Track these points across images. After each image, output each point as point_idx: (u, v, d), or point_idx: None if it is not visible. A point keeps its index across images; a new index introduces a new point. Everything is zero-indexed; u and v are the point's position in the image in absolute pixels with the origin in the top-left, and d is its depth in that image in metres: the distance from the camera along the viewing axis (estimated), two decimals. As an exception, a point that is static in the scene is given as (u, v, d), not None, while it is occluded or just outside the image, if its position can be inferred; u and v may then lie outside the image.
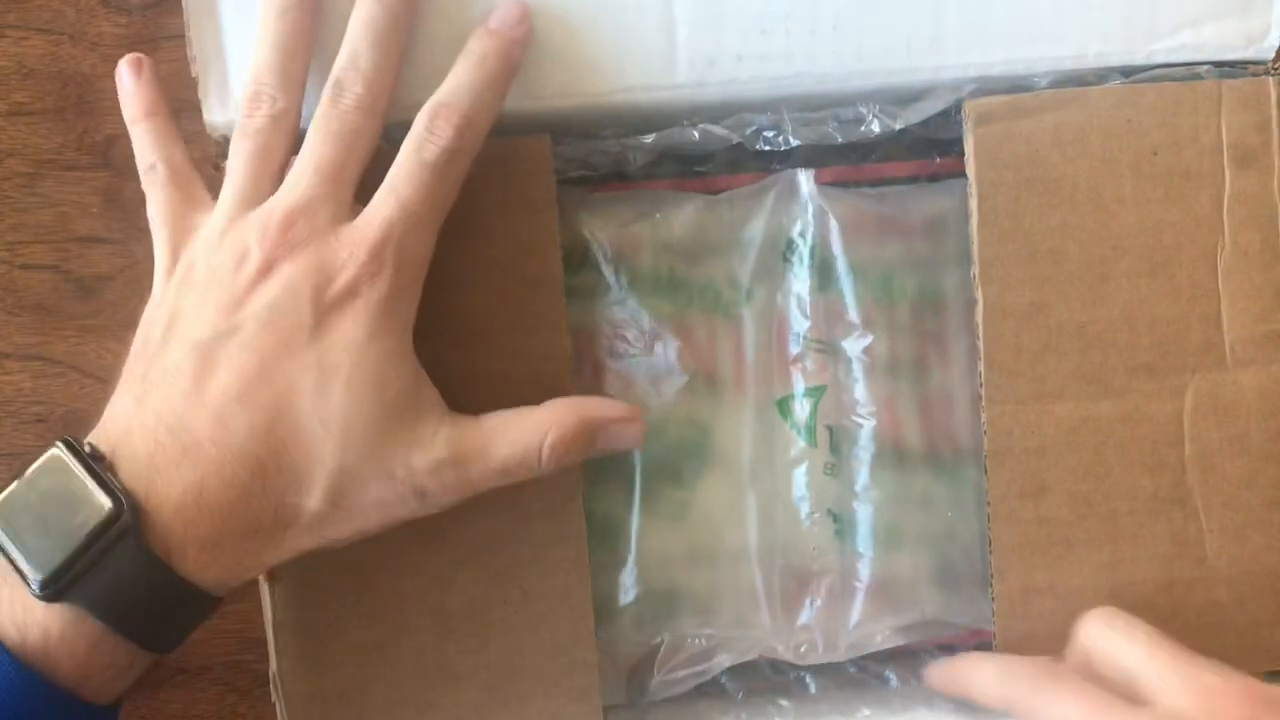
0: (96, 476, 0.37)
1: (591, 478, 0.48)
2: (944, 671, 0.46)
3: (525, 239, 0.45)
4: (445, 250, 0.42)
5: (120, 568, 0.37)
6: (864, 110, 0.47)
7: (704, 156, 0.49)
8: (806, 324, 0.48)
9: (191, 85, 0.45)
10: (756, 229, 0.49)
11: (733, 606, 0.49)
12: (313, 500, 0.39)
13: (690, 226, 0.49)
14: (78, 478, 0.37)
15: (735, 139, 0.47)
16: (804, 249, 0.48)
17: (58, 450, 0.38)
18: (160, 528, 0.37)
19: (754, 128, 0.47)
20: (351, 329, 0.39)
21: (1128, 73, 0.46)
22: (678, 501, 0.49)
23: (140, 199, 0.44)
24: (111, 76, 0.45)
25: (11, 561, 0.37)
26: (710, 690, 0.49)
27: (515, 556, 0.46)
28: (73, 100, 0.53)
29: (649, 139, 0.47)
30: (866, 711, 0.48)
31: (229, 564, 0.38)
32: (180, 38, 0.46)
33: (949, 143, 0.49)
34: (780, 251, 0.49)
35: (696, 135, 0.46)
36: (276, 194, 0.41)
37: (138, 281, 0.52)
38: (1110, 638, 0.42)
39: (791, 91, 0.46)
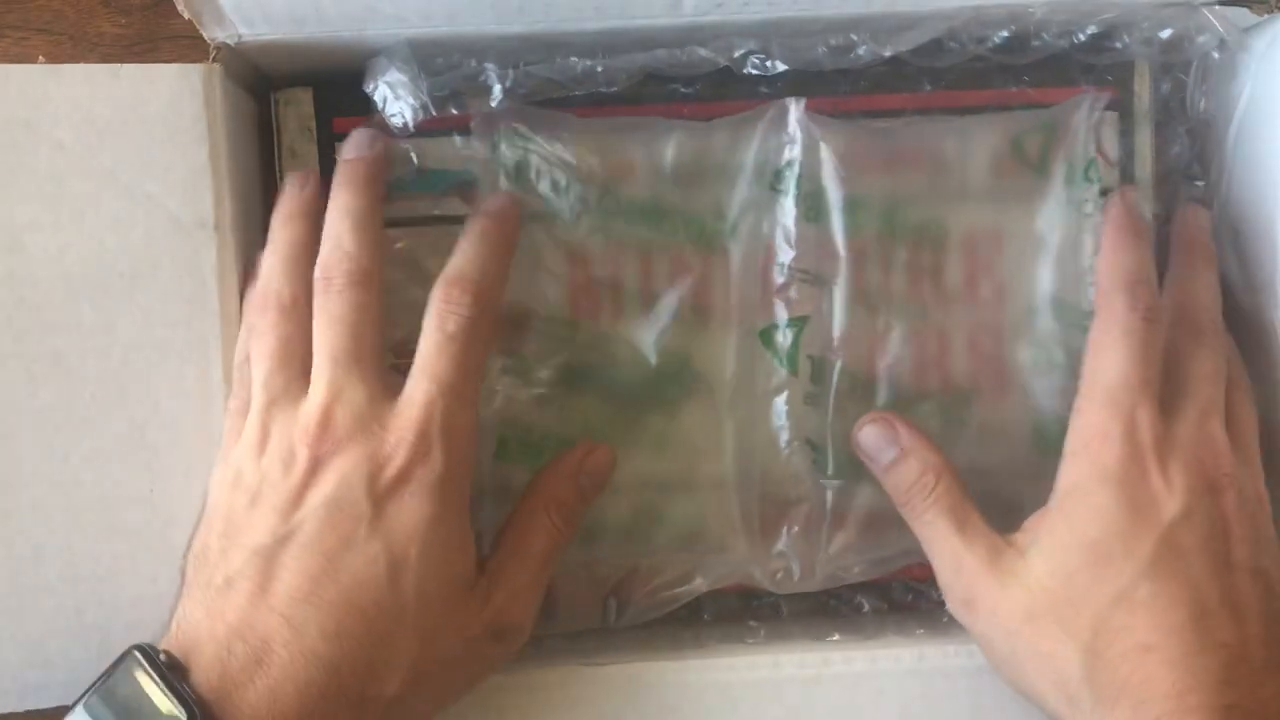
0: (170, 686, 0.37)
1: (573, 403, 0.49)
2: None
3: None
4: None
5: None
6: (854, 37, 0.47)
7: (689, 80, 0.49)
8: (792, 254, 0.48)
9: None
10: (745, 159, 0.49)
11: (710, 533, 0.49)
12: (392, 688, 0.39)
13: (677, 155, 0.49)
14: (152, 687, 0.38)
15: (722, 62, 0.47)
16: (791, 179, 0.48)
17: (132, 659, 0.38)
18: None
19: (741, 51, 0.47)
20: (412, 513, 0.40)
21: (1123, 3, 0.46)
22: (658, 428, 0.49)
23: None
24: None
25: None
26: (681, 612, 0.49)
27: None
28: (73, 101, 0.53)
29: (634, 60, 0.47)
30: (837, 636, 0.48)
31: None
32: (181, 38, 0.46)
33: (941, 72, 0.49)
34: (769, 181, 0.49)
35: (683, 57, 0.47)
36: (308, 394, 0.42)
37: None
38: None
39: (785, 15, 0.46)
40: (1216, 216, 0.50)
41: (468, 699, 0.45)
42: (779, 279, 0.49)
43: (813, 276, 0.48)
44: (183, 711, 0.37)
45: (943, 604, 0.49)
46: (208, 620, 0.39)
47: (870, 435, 0.46)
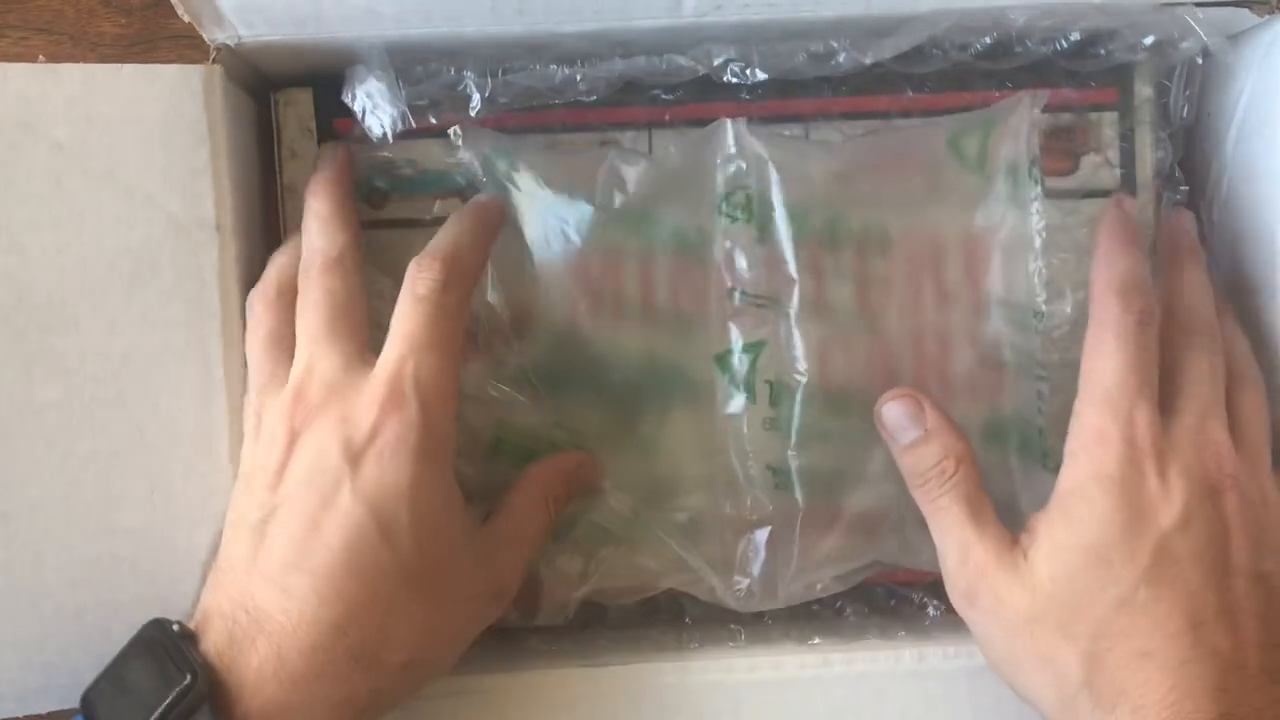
0: (179, 651, 0.38)
1: (561, 406, 0.49)
2: None
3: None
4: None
5: None
6: (834, 44, 0.46)
7: (670, 86, 0.49)
8: (746, 278, 0.48)
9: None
10: (697, 182, 0.48)
11: (671, 558, 0.49)
12: (406, 651, 0.40)
13: (635, 181, 0.48)
14: (162, 653, 0.39)
15: (701, 70, 0.47)
16: (741, 200, 0.48)
17: (148, 629, 0.40)
18: (243, 703, 0.38)
19: (721, 59, 0.47)
20: (392, 472, 0.40)
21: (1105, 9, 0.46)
22: (639, 432, 0.49)
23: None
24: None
25: None
26: (663, 614, 0.50)
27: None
28: (73, 102, 0.53)
29: (614, 67, 0.47)
30: (818, 639, 0.48)
31: None
32: (181, 38, 0.46)
33: (922, 78, 0.49)
34: (717, 204, 0.48)
35: (663, 66, 0.46)
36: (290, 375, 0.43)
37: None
38: None
39: (785, 16, 0.46)
40: (1216, 217, 0.50)
41: (468, 699, 0.45)
42: (734, 305, 0.48)
43: (766, 300, 0.48)
44: (187, 674, 0.38)
45: (924, 607, 0.50)
46: (214, 598, 0.40)
47: (894, 412, 0.46)
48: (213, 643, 0.39)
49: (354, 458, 0.40)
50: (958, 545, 0.43)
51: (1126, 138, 0.50)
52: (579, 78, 0.47)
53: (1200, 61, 0.49)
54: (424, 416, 0.41)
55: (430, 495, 0.41)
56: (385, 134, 0.46)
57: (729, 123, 0.47)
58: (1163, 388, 0.43)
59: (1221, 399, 0.44)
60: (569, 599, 0.49)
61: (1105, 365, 0.43)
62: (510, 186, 0.48)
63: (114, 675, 0.40)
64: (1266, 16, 0.46)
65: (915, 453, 0.45)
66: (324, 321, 0.43)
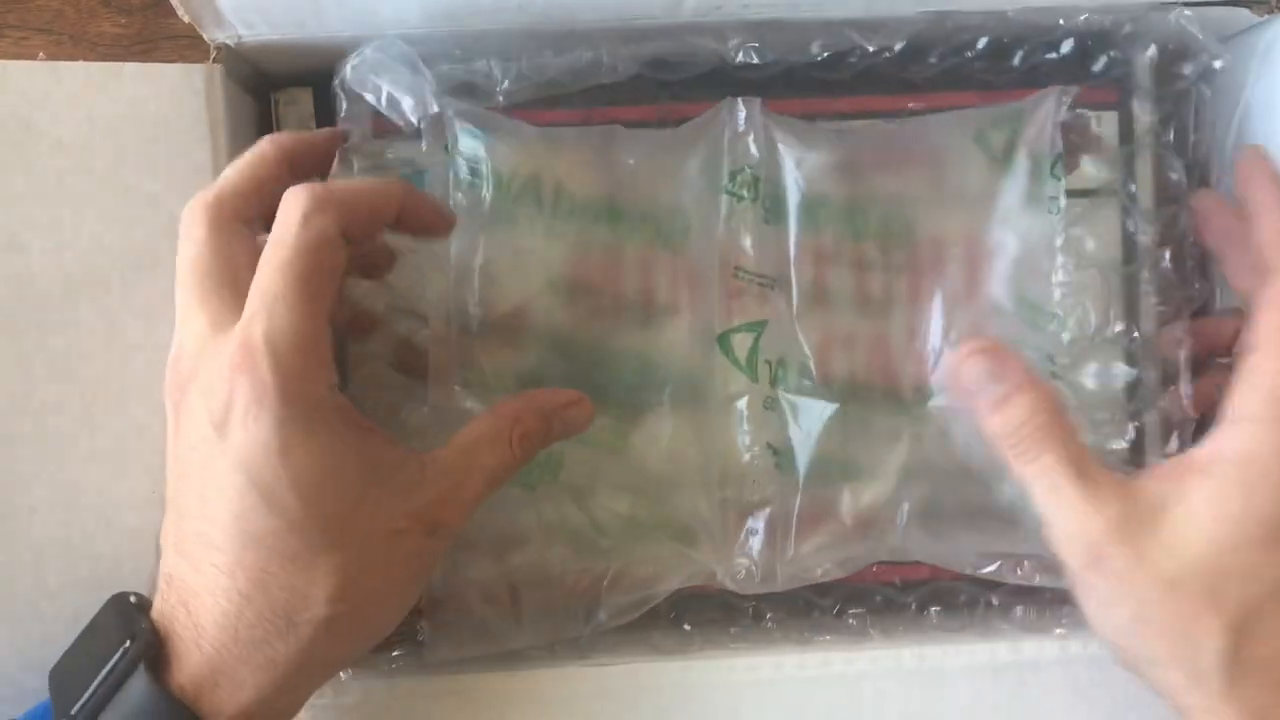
0: (130, 619, 0.39)
1: None
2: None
3: None
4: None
5: (133, 700, 0.37)
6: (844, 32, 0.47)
7: (682, 83, 0.48)
8: (750, 257, 0.48)
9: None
10: (703, 159, 0.48)
11: (673, 537, 0.48)
12: (323, 608, 0.38)
13: (635, 157, 0.48)
14: (115, 622, 0.39)
15: (716, 47, 0.47)
16: (748, 179, 0.47)
17: (109, 603, 0.40)
18: (180, 668, 0.38)
19: (736, 40, 0.47)
20: (258, 435, 0.37)
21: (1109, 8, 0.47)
22: (618, 432, 0.48)
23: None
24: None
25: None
26: (660, 622, 0.49)
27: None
28: (72, 102, 0.53)
29: (641, 49, 0.46)
30: (822, 638, 0.48)
31: (263, 698, 0.38)
32: (181, 38, 0.46)
33: (918, 84, 0.49)
34: (724, 183, 0.48)
35: (679, 47, 0.46)
36: None
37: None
38: None
39: (785, 16, 0.47)
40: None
41: (468, 699, 0.45)
42: (737, 283, 0.48)
43: (771, 280, 0.48)
44: (128, 637, 0.38)
45: (924, 610, 0.49)
46: (159, 567, 0.40)
47: (976, 368, 0.42)
48: (158, 609, 0.39)
49: (219, 427, 0.37)
50: (1069, 510, 0.40)
51: (1126, 137, 0.49)
52: (605, 60, 0.46)
53: (1209, 94, 0.49)
54: (278, 372, 0.37)
55: (308, 448, 0.37)
56: (407, 122, 0.45)
57: (739, 101, 0.47)
58: None
59: None
60: (566, 615, 0.48)
61: None
62: (476, 176, 0.47)
63: (74, 649, 0.40)
64: (1266, 16, 0.46)
65: (1004, 411, 0.41)
66: (189, 282, 0.40)
